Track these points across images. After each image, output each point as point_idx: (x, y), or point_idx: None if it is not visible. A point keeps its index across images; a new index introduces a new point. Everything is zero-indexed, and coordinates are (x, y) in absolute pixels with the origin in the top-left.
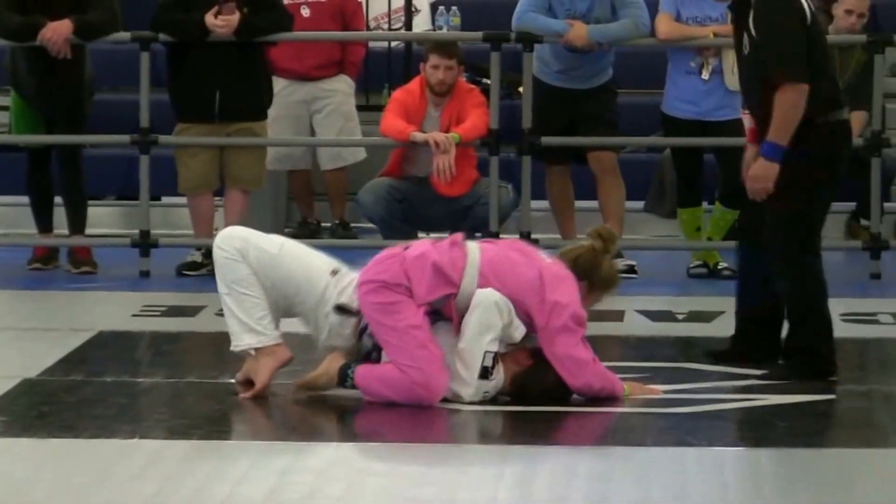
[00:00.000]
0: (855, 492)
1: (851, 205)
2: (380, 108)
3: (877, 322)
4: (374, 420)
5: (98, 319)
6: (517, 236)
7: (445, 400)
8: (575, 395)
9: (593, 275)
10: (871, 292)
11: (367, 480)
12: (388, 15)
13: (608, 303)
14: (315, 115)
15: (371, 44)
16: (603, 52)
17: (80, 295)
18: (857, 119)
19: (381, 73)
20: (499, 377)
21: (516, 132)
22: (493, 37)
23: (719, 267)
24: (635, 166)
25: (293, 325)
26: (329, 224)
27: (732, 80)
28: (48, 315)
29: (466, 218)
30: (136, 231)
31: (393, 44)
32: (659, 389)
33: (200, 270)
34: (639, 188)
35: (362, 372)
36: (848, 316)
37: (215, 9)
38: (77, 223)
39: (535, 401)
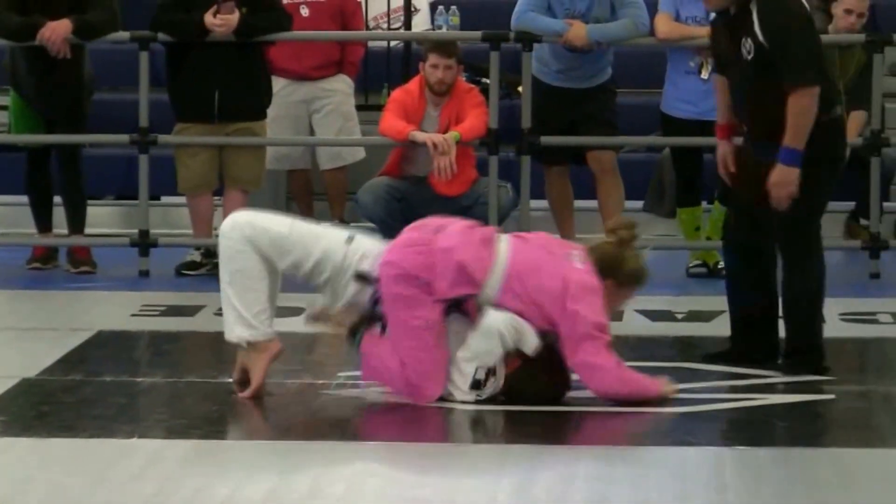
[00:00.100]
0: (854, 492)
1: (851, 204)
2: (379, 108)
3: (876, 322)
4: (374, 420)
5: (97, 319)
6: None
7: (442, 399)
8: (571, 395)
9: (618, 272)
10: (870, 292)
11: (366, 480)
12: (388, 14)
13: None
14: (314, 114)
15: (370, 43)
16: (602, 51)
17: (80, 294)
18: (856, 119)
19: (380, 72)
20: (496, 384)
21: (515, 132)
22: (493, 36)
23: (719, 266)
24: (634, 166)
25: (294, 325)
26: (328, 224)
27: None
28: (47, 315)
29: (466, 218)
30: (136, 231)
31: (392, 43)
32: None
33: (200, 270)
34: (638, 188)
35: (370, 343)
36: (847, 316)
37: (214, 8)
38: (76, 223)
39: (532, 401)
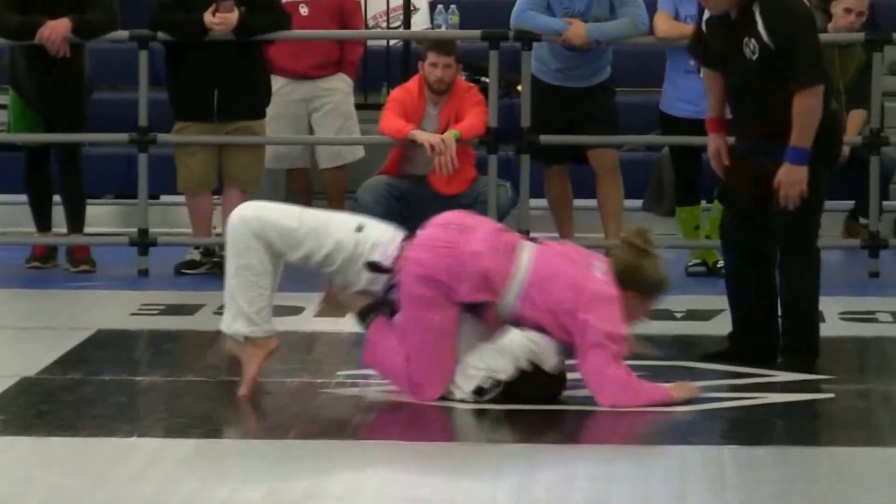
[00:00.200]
0: (853, 491)
1: (850, 203)
2: (378, 107)
3: (875, 321)
4: (374, 419)
5: (96, 318)
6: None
7: (441, 397)
8: (571, 394)
9: (639, 282)
10: (869, 291)
11: (366, 480)
12: (387, 13)
13: None
14: (313, 113)
15: (369, 43)
16: (601, 50)
17: (79, 294)
18: (856, 118)
19: (379, 71)
20: (497, 391)
21: (515, 131)
22: (492, 35)
23: (718, 265)
24: (634, 165)
25: (293, 324)
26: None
27: None
28: (47, 314)
29: None
30: (135, 230)
31: (391, 42)
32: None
33: (199, 269)
34: (637, 187)
35: (378, 329)
36: (846, 315)
37: (213, 7)
38: (76, 222)
39: (529, 400)
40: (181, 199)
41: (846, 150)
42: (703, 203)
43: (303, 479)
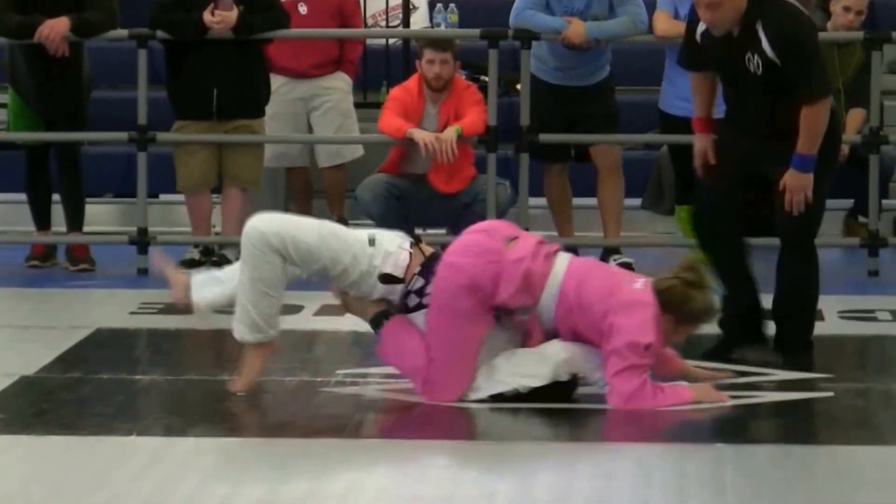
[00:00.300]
0: (853, 489)
1: (849, 202)
2: (378, 106)
3: (875, 319)
4: (374, 417)
5: (96, 317)
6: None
7: None
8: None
9: (682, 309)
10: (869, 290)
11: (366, 478)
12: (386, 12)
13: None
14: (313, 112)
15: (369, 41)
16: (600, 49)
17: (78, 292)
18: (855, 117)
19: (379, 70)
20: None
21: (514, 130)
22: (491, 34)
23: None
24: (633, 164)
25: (293, 323)
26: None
27: None
28: (46, 313)
29: (464, 215)
30: (134, 228)
31: (391, 41)
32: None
33: (198, 268)
34: (637, 186)
35: (394, 327)
36: (846, 313)
37: (211, 6)
38: (75, 221)
39: (542, 398)
40: (180, 197)
41: (845, 149)
42: None
43: (303, 477)
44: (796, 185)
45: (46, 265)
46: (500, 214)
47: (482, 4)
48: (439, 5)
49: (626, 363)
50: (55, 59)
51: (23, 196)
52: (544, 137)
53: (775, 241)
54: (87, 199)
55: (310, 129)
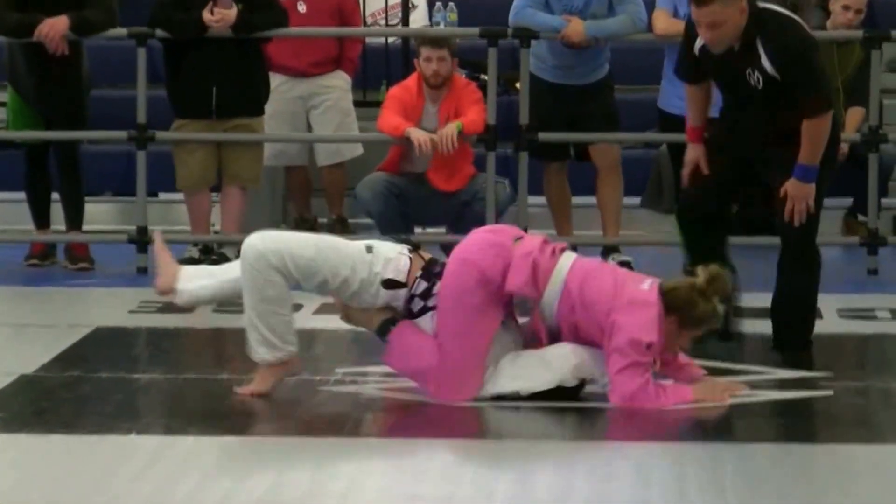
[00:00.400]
0: (853, 488)
1: (849, 201)
2: (377, 105)
3: (874, 318)
4: (373, 416)
5: (95, 316)
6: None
7: None
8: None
9: (685, 312)
10: (868, 288)
11: (367, 477)
12: (385, 11)
13: None
14: (312, 111)
15: (368, 40)
16: (600, 48)
17: (78, 291)
18: (855, 115)
19: (378, 69)
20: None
21: (513, 128)
22: (490, 33)
23: None
24: (632, 162)
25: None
26: (326, 220)
27: None
28: (45, 311)
29: (464, 214)
30: (134, 227)
31: (390, 40)
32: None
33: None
34: (636, 184)
35: (403, 330)
36: (845, 312)
37: (210, 4)
38: (74, 219)
39: (547, 396)
40: (180, 196)
41: (845, 147)
42: None
43: (303, 476)
44: (798, 194)
45: (46, 264)
46: (500, 213)
47: (481, 3)
48: (438, 4)
49: (627, 361)
50: (54, 58)
51: (22, 195)
52: (543, 136)
53: (775, 241)
54: (87, 198)
55: (309, 128)
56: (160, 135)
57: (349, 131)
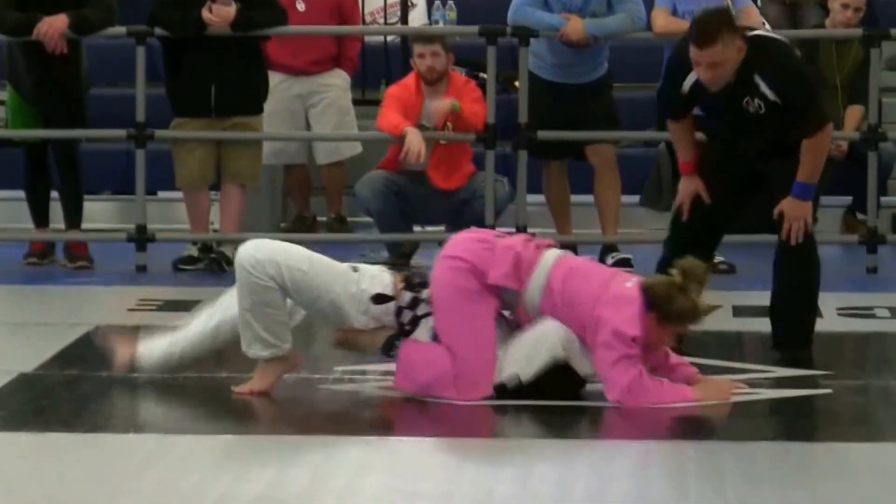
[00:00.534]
0: (852, 486)
1: (848, 199)
2: (377, 103)
3: (873, 316)
4: (373, 414)
5: (94, 314)
6: (513, 230)
7: None
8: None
9: (663, 307)
10: (867, 287)
11: (366, 475)
12: (384, 10)
13: None
14: (310, 109)
15: (367, 39)
16: (599, 46)
17: (77, 290)
18: (854, 114)
19: (377, 68)
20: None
21: (512, 127)
22: (489, 31)
23: (715, 261)
24: (632, 161)
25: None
26: (325, 219)
27: None
28: (44, 310)
29: (463, 212)
30: (133, 226)
31: (389, 39)
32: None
33: (197, 265)
34: (635, 183)
35: (409, 347)
36: (844, 310)
37: (209, 2)
38: (73, 218)
39: (548, 395)
40: (179, 195)
41: (844, 146)
42: None
43: (303, 473)
44: (795, 213)
45: (45, 262)
46: (499, 211)
47: (480, 1)
48: (437, 2)
49: (617, 354)
50: (54, 57)
51: (21, 193)
52: (542, 135)
53: (775, 239)
54: (86, 197)
55: (308, 127)
56: (159, 133)
57: (348, 130)
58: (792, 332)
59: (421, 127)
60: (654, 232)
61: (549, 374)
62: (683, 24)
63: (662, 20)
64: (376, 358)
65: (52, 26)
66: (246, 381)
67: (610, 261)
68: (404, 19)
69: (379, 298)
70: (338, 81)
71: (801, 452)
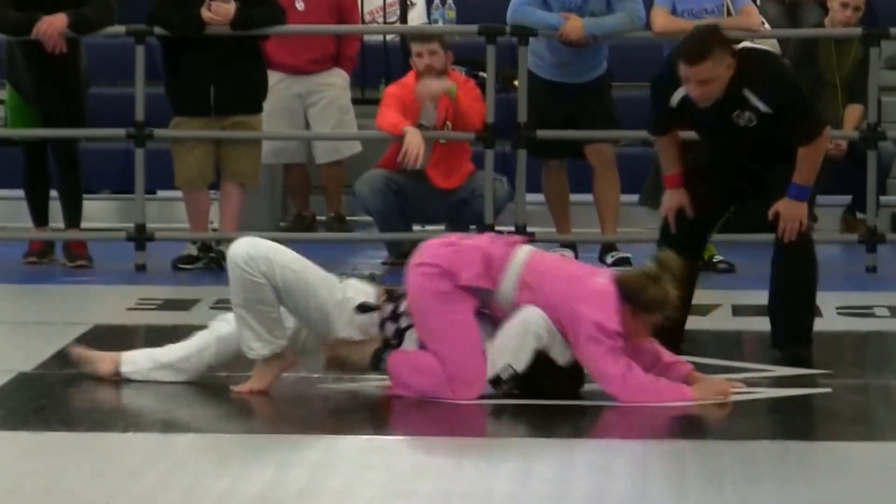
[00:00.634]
0: (852, 485)
1: (847, 198)
2: (376, 102)
3: (873, 315)
4: (372, 414)
5: (93, 313)
6: (512, 229)
7: None
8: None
9: (636, 298)
10: (867, 286)
11: (365, 474)
12: (384, 9)
13: None
14: (310, 108)
15: (367, 38)
16: (598, 46)
17: (76, 289)
18: (853, 113)
19: (377, 67)
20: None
21: (512, 126)
22: (489, 30)
23: (714, 260)
24: (631, 160)
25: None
26: (324, 218)
27: None
28: (44, 309)
29: (462, 211)
30: (132, 225)
31: (388, 38)
32: (736, 384)
33: (196, 264)
34: (635, 182)
35: (396, 358)
36: (844, 309)
37: (208, 2)
38: (73, 217)
39: (547, 394)
40: (178, 194)
41: (844, 145)
42: None
43: (302, 472)
44: (791, 214)
45: (44, 261)
46: (498, 210)
47: (480, 1)
48: (437, 1)
49: (603, 347)
50: (53, 56)
51: (21, 192)
52: (541, 134)
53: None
54: (85, 196)
55: (307, 126)
56: (158, 132)
57: (347, 129)
58: (791, 331)
59: (420, 126)
60: (653, 231)
61: (538, 365)
62: (683, 23)
63: (662, 19)
64: (367, 375)
65: (52, 25)
66: (245, 380)
67: (609, 260)
68: (403, 18)
69: (364, 308)
70: (337, 80)
71: (800, 451)
